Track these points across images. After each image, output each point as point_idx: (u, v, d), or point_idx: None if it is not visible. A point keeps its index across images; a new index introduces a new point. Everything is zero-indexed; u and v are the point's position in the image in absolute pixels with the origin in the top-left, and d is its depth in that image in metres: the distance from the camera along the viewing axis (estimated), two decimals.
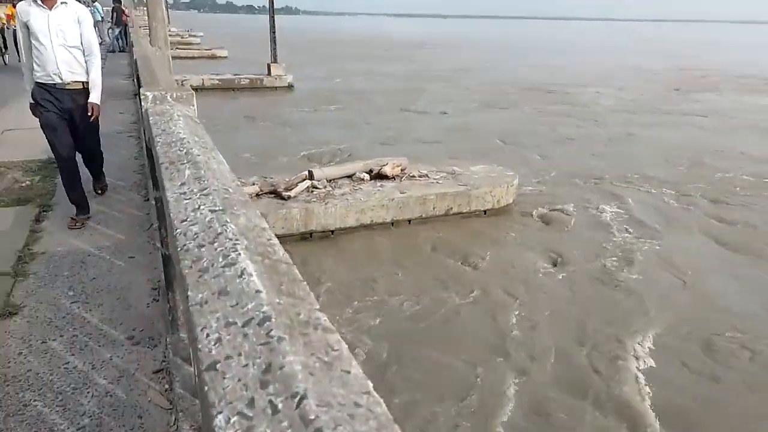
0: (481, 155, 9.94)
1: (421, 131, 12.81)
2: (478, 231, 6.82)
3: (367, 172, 7.44)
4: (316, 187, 6.92)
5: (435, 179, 7.53)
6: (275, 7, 20.05)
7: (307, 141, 11.42)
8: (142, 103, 2.14)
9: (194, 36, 39.25)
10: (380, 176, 7.40)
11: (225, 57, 29.96)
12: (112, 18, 14.28)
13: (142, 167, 5.53)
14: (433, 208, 6.97)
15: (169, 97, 2.19)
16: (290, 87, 19.34)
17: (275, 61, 19.40)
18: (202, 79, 17.72)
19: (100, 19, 16.53)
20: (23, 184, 5.20)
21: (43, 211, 4.51)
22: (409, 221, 6.92)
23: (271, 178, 7.41)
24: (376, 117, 14.46)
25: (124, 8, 14.86)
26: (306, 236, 6.47)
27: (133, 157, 6.21)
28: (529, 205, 7.74)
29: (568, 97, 18.46)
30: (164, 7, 7.00)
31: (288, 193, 6.53)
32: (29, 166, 5.78)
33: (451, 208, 7.07)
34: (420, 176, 7.62)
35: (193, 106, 2.30)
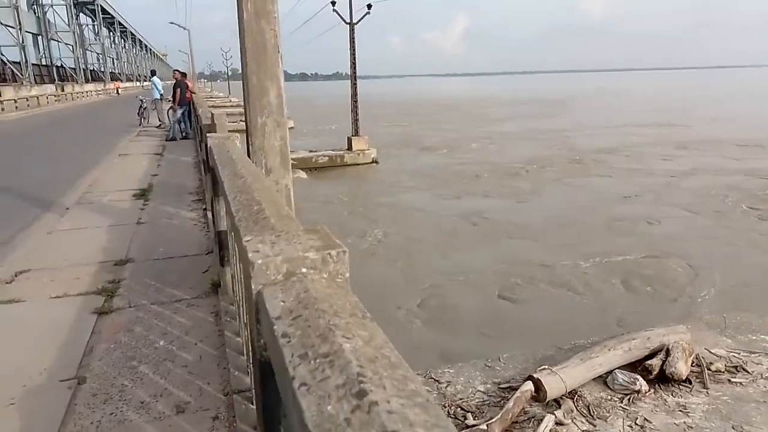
0: None
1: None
2: None
3: (636, 368, 3.83)
4: (562, 423, 3.35)
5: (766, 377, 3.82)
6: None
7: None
8: None
9: None
10: (664, 377, 3.78)
11: (291, 128, 27.82)
12: (174, 96, 11.10)
13: None
14: None
15: None
16: (375, 162, 16.33)
17: (357, 133, 16.53)
18: None
19: (158, 96, 13.65)
20: None
21: None
22: None
23: (444, 383, 3.90)
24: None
25: (188, 83, 12.02)
26: None
27: None
28: None
29: None
30: (281, 83, 3.13)
31: None
32: None
33: None
34: (729, 369, 3.94)
35: None
